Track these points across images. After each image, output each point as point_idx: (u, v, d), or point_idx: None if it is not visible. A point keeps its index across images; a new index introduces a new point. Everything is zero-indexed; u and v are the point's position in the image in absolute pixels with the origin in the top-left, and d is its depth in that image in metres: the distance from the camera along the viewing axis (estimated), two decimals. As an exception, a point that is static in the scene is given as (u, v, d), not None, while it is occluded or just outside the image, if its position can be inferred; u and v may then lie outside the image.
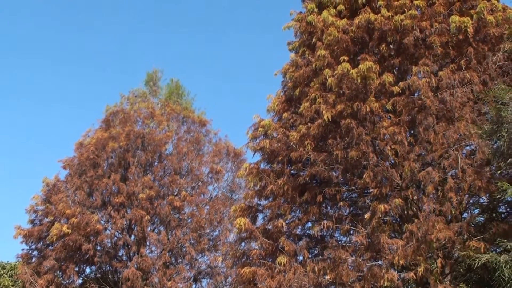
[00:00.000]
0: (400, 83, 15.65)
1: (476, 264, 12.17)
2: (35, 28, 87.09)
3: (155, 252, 24.62)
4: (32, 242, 25.01)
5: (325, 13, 17.22)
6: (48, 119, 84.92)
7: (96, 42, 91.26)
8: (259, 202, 17.58)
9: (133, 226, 24.73)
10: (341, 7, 17.46)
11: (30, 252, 25.20)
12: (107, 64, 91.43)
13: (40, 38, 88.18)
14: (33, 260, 24.81)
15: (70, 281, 23.68)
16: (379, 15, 16.55)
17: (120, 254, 25.00)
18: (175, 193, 25.48)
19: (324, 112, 15.70)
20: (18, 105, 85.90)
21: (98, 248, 24.02)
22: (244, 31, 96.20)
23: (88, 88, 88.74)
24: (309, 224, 16.59)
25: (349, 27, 16.80)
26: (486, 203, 15.31)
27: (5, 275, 26.51)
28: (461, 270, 14.36)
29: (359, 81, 15.60)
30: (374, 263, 14.47)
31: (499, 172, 13.66)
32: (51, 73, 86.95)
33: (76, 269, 24.07)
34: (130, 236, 24.70)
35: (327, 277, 14.90)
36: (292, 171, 16.74)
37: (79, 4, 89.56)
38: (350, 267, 14.70)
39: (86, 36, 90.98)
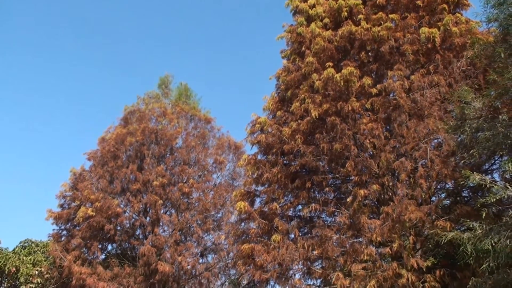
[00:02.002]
0: (378, 85, 15.63)
1: (443, 240, 12.11)
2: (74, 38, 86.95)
3: (167, 231, 24.56)
4: (61, 223, 24.94)
5: (312, 25, 17.17)
6: (73, 118, 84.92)
7: (117, 51, 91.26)
8: (256, 188, 17.54)
9: (148, 209, 24.67)
10: (326, 20, 17.40)
11: (59, 232, 25.13)
12: (126, 70, 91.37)
13: (76, 49, 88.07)
14: (62, 238, 24.75)
15: (95, 256, 23.66)
16: (359, 27, 16.49)
17: (137, 233, 24.94)
18: (184, 181, 25.41)
19: (312, 110, 15.67)
20: (48, 105, 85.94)
21: (118, 228, 23.97)
22: (244, 40, 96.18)
23: (109, 91, 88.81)
24: (300, 207, 16.57)
25: (334, 37, 16.74)
26: (451, 188, 15.28)
27: (39, 252, 26.38)
28: (430, 246, 14.31)
29: (342, 84, 15.57)
30: (355, 240, 14.46)
31: (462, 161, 13.61)
32: (80, 79, 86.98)
33: (100, 246, 24.07)
34: (145, 218, 24.66)
35: (315, 252, 14.90)
36: (284, 162, 16.70)
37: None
38: (334, 243, 14.71)
39: (109, 46, 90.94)
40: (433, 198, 15.21)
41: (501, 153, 13.22)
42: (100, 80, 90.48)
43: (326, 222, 15.84)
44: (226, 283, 25.45)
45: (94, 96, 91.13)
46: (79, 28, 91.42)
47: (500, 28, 12.97)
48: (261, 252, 15.21)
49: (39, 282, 24.60)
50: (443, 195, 15.62)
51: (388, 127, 15.92)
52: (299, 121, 16.06)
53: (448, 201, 15.34)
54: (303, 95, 16.30)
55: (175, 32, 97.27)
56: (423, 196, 14.35)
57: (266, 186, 17.03)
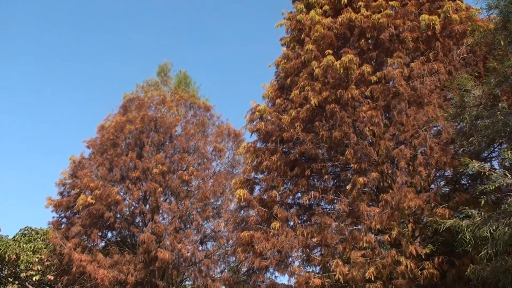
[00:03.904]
0: (377, 73, 15.58)
1: (442, 228, 12.13)
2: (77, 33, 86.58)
3: (167, 219, 24.61)
4: (61, 211, 24.99)
5: (312, 12, 17.08)
6: (72, 106, 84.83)
7: (116, 39, 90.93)
8: (255, 176, 17.55)
9: (147, 197, 24.71)
10: (326, 7, 17.30)
11: (59, 219, 25.19)
12: (125, 58, 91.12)
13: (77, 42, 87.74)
14: (62, 226, 24.81)
15: (94, 244, 23.75)
16: (359, 14, 16.41)
17: (137, 221, 25.00)
18: (184, 169, 25.43)
19: (311, 98, 15.64)
20: (47, 94, 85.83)
21: (118, 216, 24.00)
22: (243, 28, 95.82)
23: (108, 79, 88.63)
24: (299, 195, 16.57)
25: (333, 25, 16.66)
26: (450, 176, 15.31)
27: (39, 239, 26.44)
28: (429, 233, 14.37)
29: (341, 71, 15.52)
30: (354, 227, 14.50)
31: (462, 149, 13.63)
32: (79, 67, 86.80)
33: (99, 234, 24.15)
34: (145, 206, 24.70)
35: (314, 239, 14.95)
36: (284, 149, 16.69)
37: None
38: (334, 231, 14.74)
39: (108, 34, 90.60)
40: (432, 186, 15.24)
41: (500, 140, 13.22)
42: (99, 68, 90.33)
43: (325, 210, 15.87)
44: (226, 270, 25.56)
45: (93, 84, 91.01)
46: (78, 16, 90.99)
47: (501, 15, 12.90)
48: (260, 239, 15.26)
49: (39, 269, 24.70)
50: (442, 183, 15.65)
51: (387, 115, 15.91)
52: (299, 108, 16.03)
53: (447, 189, 15.37)
54: (302, 83, 16.25)
55: (175, 20, 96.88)
56: (422, 183, 14.37)
57: (265, 173, 17.03)
